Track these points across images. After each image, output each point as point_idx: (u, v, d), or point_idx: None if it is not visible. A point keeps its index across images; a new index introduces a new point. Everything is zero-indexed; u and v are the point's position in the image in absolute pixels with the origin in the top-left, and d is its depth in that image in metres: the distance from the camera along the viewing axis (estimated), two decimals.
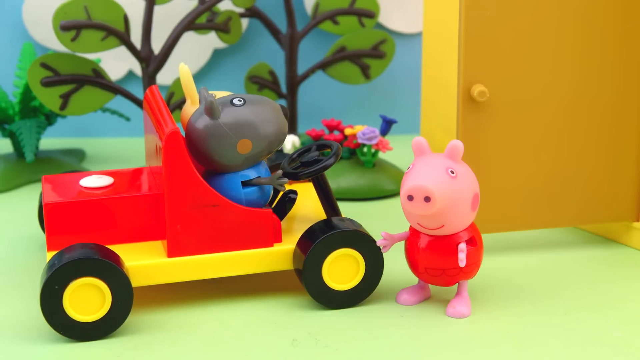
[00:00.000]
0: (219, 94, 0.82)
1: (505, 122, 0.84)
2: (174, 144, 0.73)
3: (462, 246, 0.73)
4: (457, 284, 0.76)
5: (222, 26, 1.08)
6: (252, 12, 1.13)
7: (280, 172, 0.77)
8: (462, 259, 0.73)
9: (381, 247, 0.77)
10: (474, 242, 0.75)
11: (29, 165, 1.08)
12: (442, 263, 0.74)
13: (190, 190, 0.74)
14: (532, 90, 0.84)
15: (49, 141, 1.19)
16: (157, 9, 1.15)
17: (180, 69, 0.82)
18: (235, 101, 0.76)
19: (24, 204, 1.00)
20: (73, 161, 1.12)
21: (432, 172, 0.72)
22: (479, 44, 0.82)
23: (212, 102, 0.75)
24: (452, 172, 0.72)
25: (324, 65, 1.15)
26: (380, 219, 0.96)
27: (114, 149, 1.19)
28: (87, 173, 0.84)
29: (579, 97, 0.85)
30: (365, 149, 1.02)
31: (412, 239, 0.76)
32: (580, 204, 0.87)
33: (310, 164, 0.80)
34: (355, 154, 1.04)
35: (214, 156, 0.76)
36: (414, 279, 0.81)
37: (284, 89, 1.18)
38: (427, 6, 1.05)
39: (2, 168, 1.07)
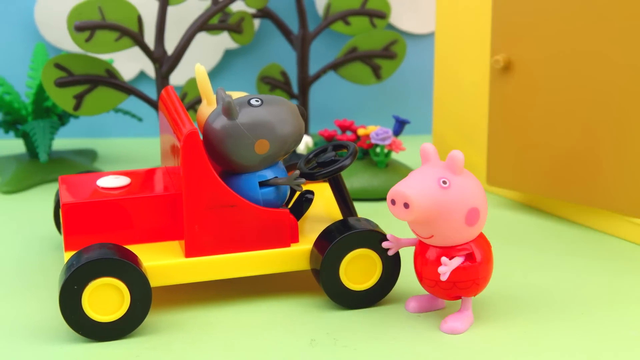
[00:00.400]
0: (235, 95, 0.82)
1: (530, 90, 0.90)
2: (193, 144, 0.73)
3: (445, 259, 0.71)
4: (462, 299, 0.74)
5: (235, 27, 1.08)
6: (264, 13, 1.13)
7: (297, 172, 0.77)
8: (442, 272, 0.70)
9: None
10: (472, 259, 0.72)
11: (42, 166, 1.08)
12: (437, 275, 0.72)
13: (208, 191, 0.75)
14: (557, 62, 0.88)
15: (60, 141, 1.19)
16: (169, 10, 1.15)
17: (196, 69, 0.82)
18: (253, 101, 0.77)
19: (37, 205, 1.01)
20: (85, 161, 1.12)
21: (421, 179, 0.70)
22: (507, 15, 0.87)
23: (230, 102, 0.75)
24: (445, 182, 0.70)
25: (335, 66, 1.15)
26: (392, 220, 0.96)
27: (125, 149, 1.19)
28: (104, 173, 0.84)
29: (603, 76, 0.86)
30: (378, 150, 1.03)
31: (418, 247, 0.74)
32: (592, 184, 0.89)
33: (327, 165, 0.80)
34: (368, 154, 1.04)
35: (231, 156, 0.76)
36: None
37: (295, 89, 1.18)
38: (439, 6, 1.05)
39: (15, 168, 1.07)
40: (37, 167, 1.08)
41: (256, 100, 0.77)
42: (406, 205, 0.70)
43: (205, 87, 0.82)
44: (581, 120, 0.89)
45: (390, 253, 0.76)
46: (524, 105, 0.93)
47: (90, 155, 1.15)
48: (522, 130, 0.94)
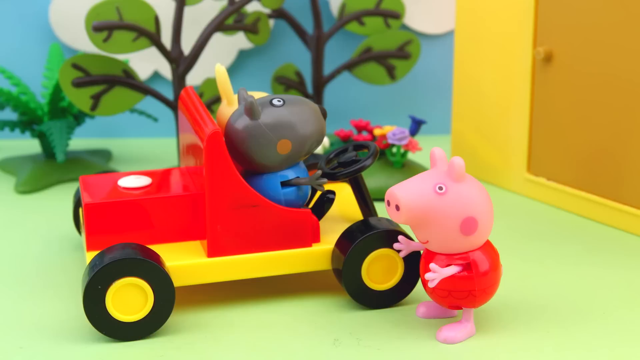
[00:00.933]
0: (256, 95, 0.82)
1: (570, 82, 0.94)
2: (216, 144, 0.74)
3: (434, 266, 0.70)
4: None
5: (251, 27, 1.08)
6: (279, 13, 1.13)
7: (319, 172, 0.77)
8: (428, 278, 0.70)
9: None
10: (469, 269, 0.70)
11: (57, 166, 1.08)
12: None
13: (230, 191, 0.75)
14: (597, 56, 0.91)
15: (75, 142, 1.19)
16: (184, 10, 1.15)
17: (216, 69, 0.82)
18: (275, 102, 0.77)
19: (54, 205, 1.01)
20: (100, 161, 1.12)
21: (418, 183, 0.70)
22: (551, 8, 0.91)
23: (253, 102, 0.75)
24: (441, 188, 0.69)
25: (349, 66, 1.15)
26: None
27: (139, 149, 1.19)
28: (124, 173, 0.84)
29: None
30: (394, 150, 1.03)
31: (424, 251, 0.73)
32: (627, 180, 0.90)
33: (348, 164, 0.81)
34: (385, 154, 1.04)
35: (253, 156, 0.76)
36: None
37: (310, 89, 1.19)
38: (459, 5, 1.05)
39: (30, 168, 1.07)
40: (52, 167, 1.08)
41: (278, 101, 0.77)
42: (397, 207, 0.70)
43: (225, 87, 0.82)
44: (618, 115, 0.90)
45: (401, 255, 0.76)
46: (563, 97, 0.95)
47: (105, 155, 1.15)
48: (561, 121, 0.96)
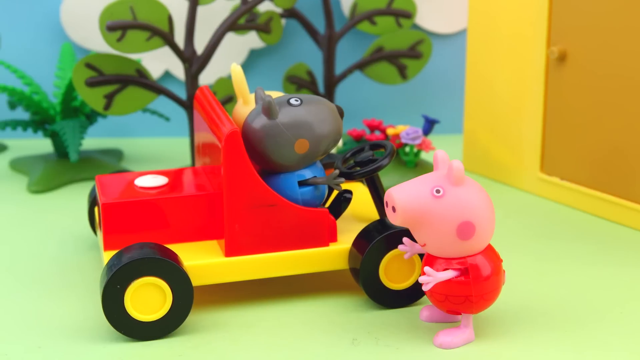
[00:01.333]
0: (273, 95, 0.82)
1: (583, 82, 0.94)
2: (234, 143, 0.74)
3: (428, 270, 0.69)
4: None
5: (264, 26, 1.08)
6: (290, 13, 1.13)
7: (337, 171, 0.77)
8: (422, 281, 0.69)
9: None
10: (466, 274, 0.69)
11: (70, 165, 1.08)
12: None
13: (249, 190, 0.75)
14: (611, 55, 0.91)
15: (86, 141, 1.19)
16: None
17: (232, 68, 0.82)
18: (292, 101, 0.77)
19: (67, 204, 1.01)
20: (112, 161, 1.12)
21: (416, 185, 0.69)
22: (565, 8, 0.92)
23: (271, 102, 0.75)
24: (438, 191, 0.68)
25: (361, 66, 1.15)
26: None
27: (151, 149, 1.19)
28: (140, 173, 0.84)
29: None
30: (407, 149, 1.03)
31: (425, 255, 0.72)
32: (634, 180, 0.91)
33: (364, 164, 0.81)
34: (398, 154, 1.04)
35: (271, 156, 0.76)
36: None
37: (321, 89, 1.19)
38: (472, 5, 1.05)
39: (42, 168, 1.07)
40: (64, 166, 1.08)
41: (295, 100, 0.77)
42: (394, 209, 0.69)
43: (241, 86, 0.82)
44: (632, 114, 0.91)
45: (406, 257, 0.75)
46: (577, 96, 0.95)
47: (116, 154, 1.15)
48: (575, 120, 0.96)
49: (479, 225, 0.69)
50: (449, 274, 0.69)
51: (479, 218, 0.69)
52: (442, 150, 0.71)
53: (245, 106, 0.82)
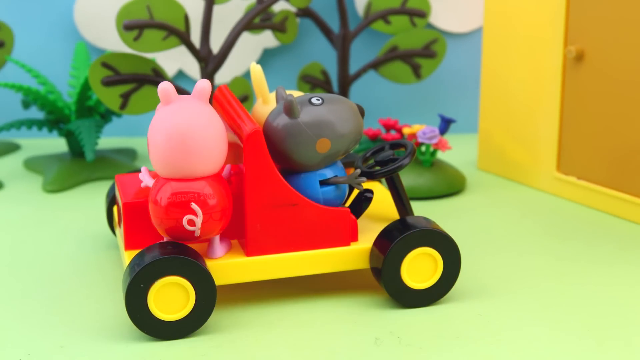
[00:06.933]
0: (293, 94, 0.82)
1: (601, 81, 0.94)
2: (256, 143, 0.73)
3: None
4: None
5: (279, 26, 1.08)
6: (305, 12, 1.13)
7: (358, 171, 0.77)
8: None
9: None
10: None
11: (84, 165, 1.08)
12: None
13: (270, 189, 0.75)
14: (629, 55, 0.91)
15: (99, 140, 1.19)
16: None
17: (252, 67, 0.82)
18: (314, 100, 0.76)
19: (84, 203, 1.01)
20: (126, 160, 1.12)
21: None
22: (583, 7, 0.92)
23: (292, 101, 0.75)
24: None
25: (375, 65, 1.15)
26: (440, 218, 0.96)
27: None
28: None
29: None
30: (423, 148, 1.03)
31: None
32: None
33: (385, 163, 0.80)
34: None
35: (292, 155, 0.76)
36: (493, 277, 0.81)
37: (335, 88, 1.19)
38: (488, 5, 1.05)
39: (57, 167, 1.07)
40: (79, 166, 1.08)
41: (317, 99, 0.77)
42: None
43: (261, 85, 0.82)
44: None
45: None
46: (594, 96, 0.95)
47: (130, 154, 1.15)
48: (592, 119, 0.96)
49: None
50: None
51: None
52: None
53: (265, 105, 0.82)
